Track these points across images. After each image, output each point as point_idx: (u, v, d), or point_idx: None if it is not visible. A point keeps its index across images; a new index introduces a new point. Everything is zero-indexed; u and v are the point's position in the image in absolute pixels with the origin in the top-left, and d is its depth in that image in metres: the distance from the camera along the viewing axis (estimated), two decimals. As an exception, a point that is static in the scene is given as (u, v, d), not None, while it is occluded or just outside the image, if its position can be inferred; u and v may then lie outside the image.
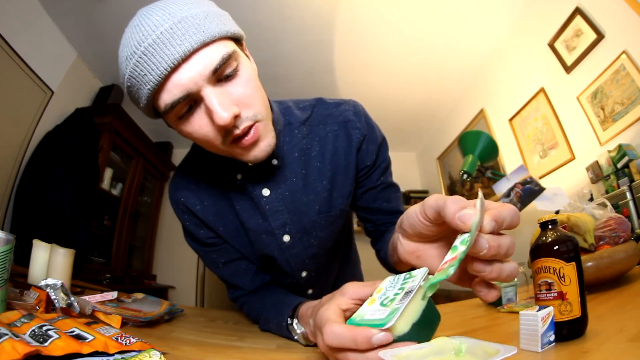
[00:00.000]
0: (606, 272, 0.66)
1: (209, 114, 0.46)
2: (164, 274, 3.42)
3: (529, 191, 1.78)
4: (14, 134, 2.04)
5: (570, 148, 1.88)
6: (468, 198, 0.33)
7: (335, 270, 0.82)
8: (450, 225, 0.31)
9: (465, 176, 1.87)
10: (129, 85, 0.46)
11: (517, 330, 0.39)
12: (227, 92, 0.46)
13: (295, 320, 0.52)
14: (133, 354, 0.37)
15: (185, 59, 0.43)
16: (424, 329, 0.32)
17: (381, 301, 0.34)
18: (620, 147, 1.48)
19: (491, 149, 1.94)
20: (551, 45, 1.97)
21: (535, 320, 0.37)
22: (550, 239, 0.44)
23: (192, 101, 0.46)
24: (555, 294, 0.41)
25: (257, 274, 0.70)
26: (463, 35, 2.37)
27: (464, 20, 2.24)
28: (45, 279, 0.52)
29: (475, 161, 1.88)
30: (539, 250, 0.44)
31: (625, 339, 0.39)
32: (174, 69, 0.43)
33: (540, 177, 2.02)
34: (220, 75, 0.46)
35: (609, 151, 1.55)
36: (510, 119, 2.38)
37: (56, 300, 0.50)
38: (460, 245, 0.30)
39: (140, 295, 0.83)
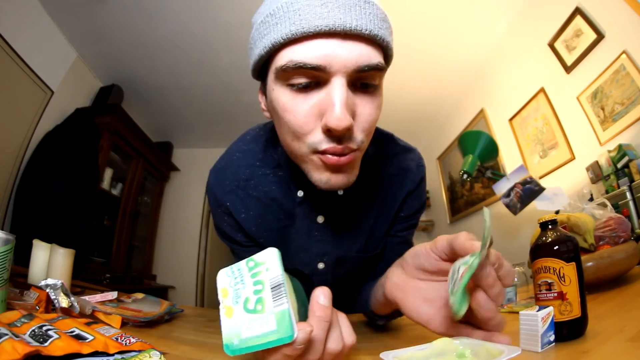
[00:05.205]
0: (606, 272, 0.66)
1: (326, 105, 0.38)
2: (164, 274, 3.42)
3: (529, 191, 1.78)
4: (14, 134, 2.04)
5: (570, 148, 1.88)
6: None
7: (348, 288, 0.82)
8: (461, 249, 0.32)
9: (465, 176, 1.87)
10: (270, 14, 0.39)
11: (517, 330, 0.39)
12: (354, 101, 0.40)
13: None
14: (133, 354, 0.37)
15: (349, 35, 0.37)
16: (302, 310, 0.31)
17: (244, 306, 0.29)
18: (620, 147, 1.48)
19: (491, 149, 1.94)
20: (551, 45, 1.97)
21: (535, 320, 0.37)
22: (550, 239, 0.44)
23: (313, 78, 0.39)
24: (555, 294, 0.41)
25: None
26: (463, 35, 2.37)
27: (464, 20, 2.24)
28: (45, 279, 0.52)
29: (475, 161, 1.87)
30: (539, 250, 0.44)
31: (625, 339, 0.39)
32: (331, 34, 0.37)
33: (540, 177, 2.02)
34: (361, 80, 0.40)
35: (609, 151, 1.55)
36: (510, 119, 2.38)
37: (56, 300, 0.50)
38: (463, 266, 0.30)
39: (140, 295, 0.83)
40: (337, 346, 0.31)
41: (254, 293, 0.29)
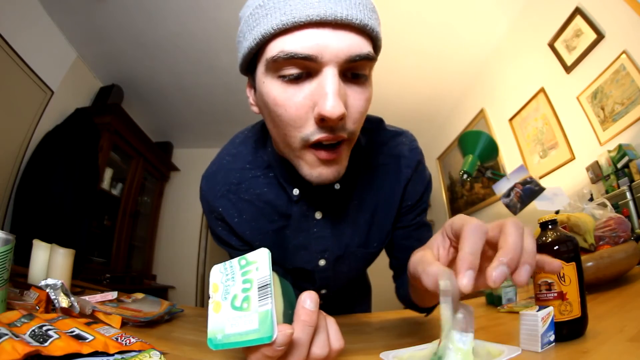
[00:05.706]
0: (606, 272, 0.66)
1: (318, 95, 0.38)
2: (164, 274, 3.42)
3: (529, 191, 1.77)
4: (14, 134, 2.04)
5: (570, 148, 1.88)
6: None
7: (349, 286, 0.81)
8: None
9: (465, 176, 1.87)
10: (260, 5, 0.39)
11: (517, 330, 0.39)
12: (346, 92, 0.40)
13: None
14: (133, 354, 0.37)
15: (340, 25, 0.37)
16: (289, 313, 0.31)
17: (231, 303, 0.30)
18: (620, 147, 1.48)
19: (491, 149, 1.93)
20: (551, 45, 1.97)
21: (535, 320, 0.37)
22: (550, 239, 0.44)
23: (305, 68, 0.39)
24: (555, 294, 0.41)
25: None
26: (463, 35, 2.37)
27: (464, 20, 2.24)
28: (45, 279, 0.52)
29: (475, 161, 1.87)
30: (538, 251, 0.44)
31: (625, 339, 0.39)
32: (322, 23, 0.37)
33: (540, 177, 2.02)
34: (352, 70, 0.40)
35: (609, 151, 1.55)
36: (510, 119, 2.38)
37: (56, 300, 0.50)
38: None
39: (140, 295, 0.83)
40: (322, 351, 0.30)
41: (242, 291, 0.29)
